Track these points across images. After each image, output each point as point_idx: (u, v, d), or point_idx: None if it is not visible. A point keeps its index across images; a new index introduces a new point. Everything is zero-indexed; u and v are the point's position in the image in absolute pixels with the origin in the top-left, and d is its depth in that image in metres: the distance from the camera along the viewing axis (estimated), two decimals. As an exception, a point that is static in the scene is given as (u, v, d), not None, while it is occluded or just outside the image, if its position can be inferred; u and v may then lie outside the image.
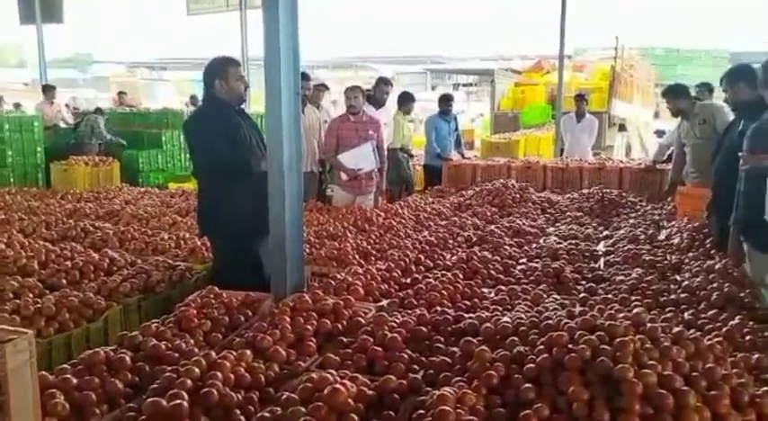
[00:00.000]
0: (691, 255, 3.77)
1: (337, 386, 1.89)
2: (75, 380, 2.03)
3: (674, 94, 5.32)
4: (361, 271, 3.30)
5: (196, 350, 2.38)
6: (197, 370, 2.06)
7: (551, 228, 4.75)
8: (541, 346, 2.05)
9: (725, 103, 4.75)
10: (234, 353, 2.22)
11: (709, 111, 5.07)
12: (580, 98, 8.64)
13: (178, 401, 1.86)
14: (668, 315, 2.67)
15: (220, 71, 3.45)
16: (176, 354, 2.32)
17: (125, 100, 13.00)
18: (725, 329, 2.50)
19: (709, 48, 21.42)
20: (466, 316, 2.60)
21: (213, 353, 2.19)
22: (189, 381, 1.99)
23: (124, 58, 28.12)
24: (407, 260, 3.60)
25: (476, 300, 2.96)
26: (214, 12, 12.34)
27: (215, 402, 1.92)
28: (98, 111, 9.61)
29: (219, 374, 2.04)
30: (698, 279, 3.23)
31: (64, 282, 3.34)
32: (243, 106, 3.67)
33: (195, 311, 2.67)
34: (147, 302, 3.26)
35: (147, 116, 10.19)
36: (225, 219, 3.43)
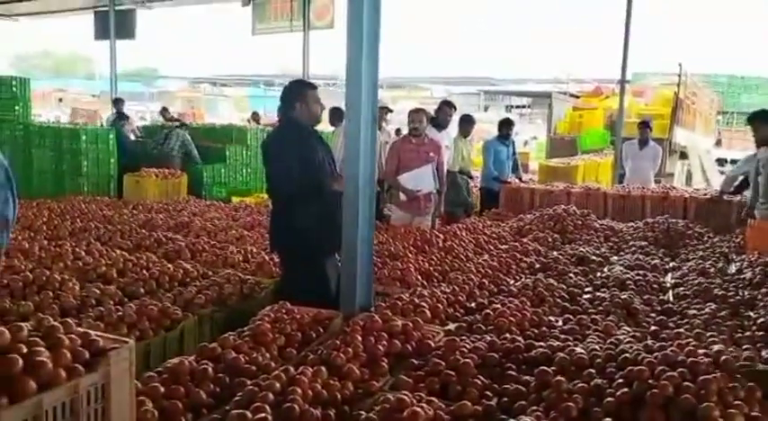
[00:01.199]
0: (764, 290, 3.65)
1: (416, 409, 1.92)
2: (162, 389, 2.13)
3: (764, 121, 5.09)
4: (426, 293, 3.33)
5: (273, 364, 2.45)
6: (278, 384, 2.13)
7: (615, 257, 4.67)
8: (621, 380, 2.04)
9: None
10: (310, 369, 2.28)
11: None
12: (644, 125, 8.47)
13: (263, 415, 1.92)
14: (747, 353, 2.60)
15: (301, 94, 3.58)
16: (254, 368, 2.40)
17: (167, 115, 13.42)
18: (809, 371, 2.41)
19: (776, 75, 20.74)
20: (536, 344, 2.59)
21: (292, 369, 2.25)
22: (271, 395, 2.06)
23: (187, 73, 29.24)
24: (471, 284, 3.61)
25: (544, 328, 2.95)
26: (279, 32, 12.71)
27: (296, 417, 1.98)
28: (183, 125, 9.98)
29: (299, 390, 2.10)
30: (774, 316, 3.13)
31: (142, 290, 3.48)
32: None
33: (269, 326, 2.76)
34: (219, 314, 3.37)
35: (213, 131, 10.55)
36: (296, 235, 3.53)
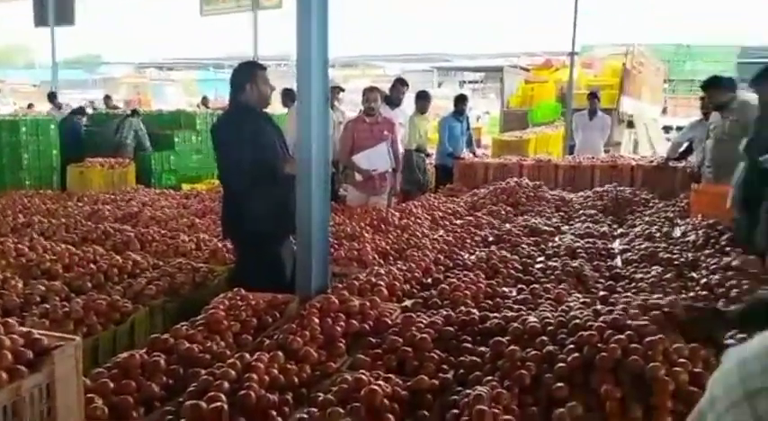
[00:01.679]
0: (707, 252, 3.79)
1: (374, 386, 1.92)
2: (112, 384, 2.07)
3: (719, 88, 5.15)
4: (383, 271, 3.34)
5: (228, 352, 2.42)
6: (233, 372, 2.10)
7: (566, 227, 4.78)
8: (571, 346, 2.09)
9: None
10: (266, 354, 2.26)
11: (746, 110, 4.84)
12: (593, 96, 8.63)
13: (218, 404, 1.90)
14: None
15: (250, 75, 3.49)
16: (209, 357, 2.36)
17: (110, 103, 13.01)
18: (749, 327, 2.52)
19: (719, 43, 21.34)
20: (491, 315, 2.63)
21: (247, 355, 2.23)
22: (226, 384, 2.03)
23: (132, 58, 28.26)
24: (427, 260, 3.64)
25: (498, 299, 2.99)
26: (226, 12, 12.41)
27: (253, 404, 1.96)
28: (135, 113, 9.67)
29: (255, 376, 2.08)
30: (716, 276, 3.25)
31: (89, 285, 3.37)
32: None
33: (224, 313, 2.71)
34: (171, 305, 3.30)
35: (160, 118, 10.26)
36: (249, 221, 3.47)
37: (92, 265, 3.60)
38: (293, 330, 2.52)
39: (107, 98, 13.88)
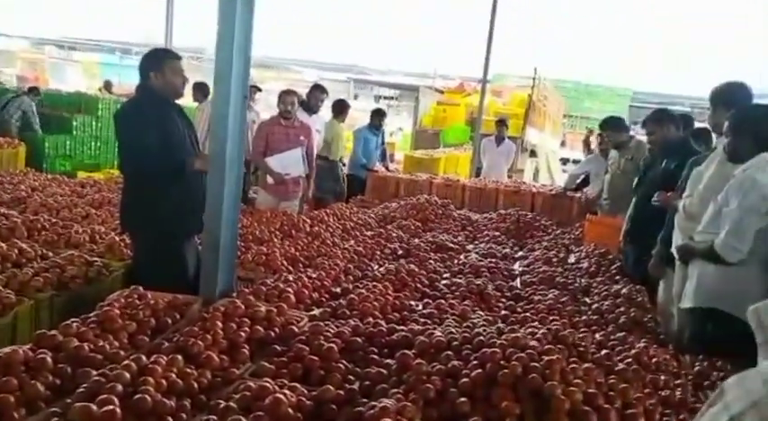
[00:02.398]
0: (598, 279, 4.06)
1: (279, 395, 1.88)
2: (-9, 381, 1.89)
3: (617, 128, 5.54)
4: (291, 278, 3.29)
5: (122, 353, 2.28)
6: (127, 374, 1.98)
7: (471, 245, 4.94)
8: (475, 361, 2.15)
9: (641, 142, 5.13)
10: (164, 357, 2.15)
11: (641, 150, 5.20)
12: (501, 123, 9.02)
13: (110, 407, 1.78)
14: (582, 335, 2.86)
15: (160, 63, 3.33)
16: (101, 357, 2.21)
17: None
18: (633, 351, 2.70)
19: (614, 85, 23.02)
20: (398, 328, 2.66)
21: (144, 357, 2.11)
22: (120, 386, 1.91)
23: (30, 32, 26.24)
24: (337, 269, 3.62)
25: (405, 312, 3.04)
26: (138, -4, 11.80)
27: (148, 409, 1.85)
28: (32, 91, 8.89)
29: (151, 379, 1.97)
30: (606, 302, 3.49)
31: (-34, 272, 3.08)
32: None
33: (119, 311, 2.56)
34: (60, 299, 3.07)
35: (58, 98, 9.56)
36: (151, 216, 3.31)
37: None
38: (194, 333, 2.41)
39: None
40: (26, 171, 6.63)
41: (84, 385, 1.94)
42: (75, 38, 27.90)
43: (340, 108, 7.28)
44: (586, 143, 9.84)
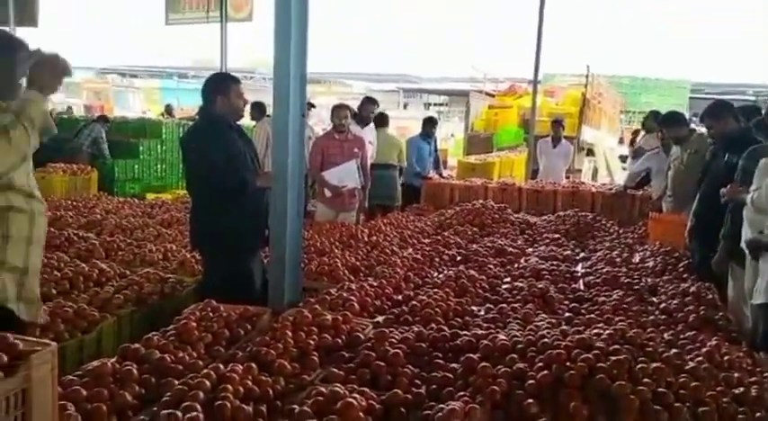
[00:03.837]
0: (665, 278, 3.96)
1: (349, 400, 1.95)
2: (84, 392, 2.04)
3: (676, 123, 5.40)
4: (354, 287, 3.37)
5: (200, 363, 2.41)
6: (207, 382, 2.10)
7: (531, 249, 4.90)
8: (540, 363, 2.16)
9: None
10: (240, 366, 2.26)
11: (704, 143, 5.02)
12: (557, 123, 8.87)
13: (194, 414, 1.89)
14: (651, 335, 2.82)
15: (223, 87, 3.50)
16: (181, 367, 2.35)
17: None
18: (704, 350, 2.64)
19: (672, 78, 22.27)
20: (461, 333, 2.69)
21: (221, 366, 2.23)
22: (201, 394, 2.02)
23: (94, 63, 27.66)
24: (398, 277, 3.69)
25: (467, 317, 3.06)
26: (193, 22, 12.32)
27: (228, 415, 1.96)
28: (101, 119, 9.44)
29: (230, 387, 2.08)
30: (674, 301, 3.41)
31: (54, 292, 3.31)
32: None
33: (195, 324, 2.70)
34: (139, 314, 3.26)
35: (125, 125, 10.08)
36: (218, 233, 3.46)
37: (56, 272, 3.53)
38: (266, 342, 2.52)
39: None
40: (99, 195, 7.03)
41: (169, 394, 2.06)
42: (135, 65, 29.24)
43: (380, 120, 7.32)
44: (632, 143, 9.60)
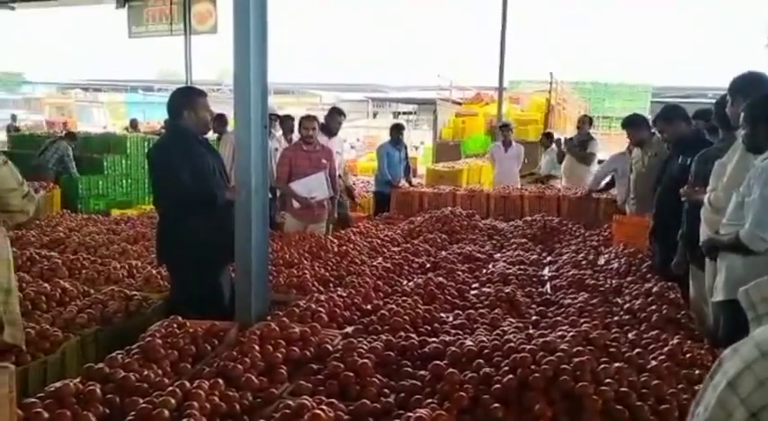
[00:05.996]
0: (629, 279, 4.04)
1: (317, 411, 1.95)
2: (46, 414, 2.00)
3: (636, 126, 5.49)
4: (323, 298, 3.36)
5: (166, 380, 2.38)
6: (173, 400, 2.07)
7: (498, 254, 4.96)
8: (506, 368, 2.19)
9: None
10: (207, 382, 2.24)
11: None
12: (505, 127, 9.00)
13: (159, 432, 1.87)
14: (615, 335, 2.87)
15: (189, 102, 3.47)
16: (146, 385, 2.31)
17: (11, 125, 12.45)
18: (666, 348, 2.71)
19: (634, 82, 22.81)
20: (430, 340, 2.71)
21: (187, 383, 2.20)
22: (166, 412, 2.00)
23: (56, 78, 27.18)
24: (367, 286, 3.69)
25: (436, 324, 3.09)
26: (157, 35, 12.21)
27: (194, 432, 1.94)
28: (69, 136, 9.24)
29: (196, 404, 2.06)
30: (638, 301, 3.48)
31: (15, 313, 3.22)
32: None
33: (160, 341, 2.66)
34: (104, 333, 3.20)
35: (88, 140, 9.90)
36: (187, 248, 3.43)
37: (18, 293, 3.43)
38: (233, 357, 2.51)
39: (13, 118, 13.28)
40: (62, 213, 6.88)
41: (133, 413, 2.03)
42: (98, 80, 28.80)
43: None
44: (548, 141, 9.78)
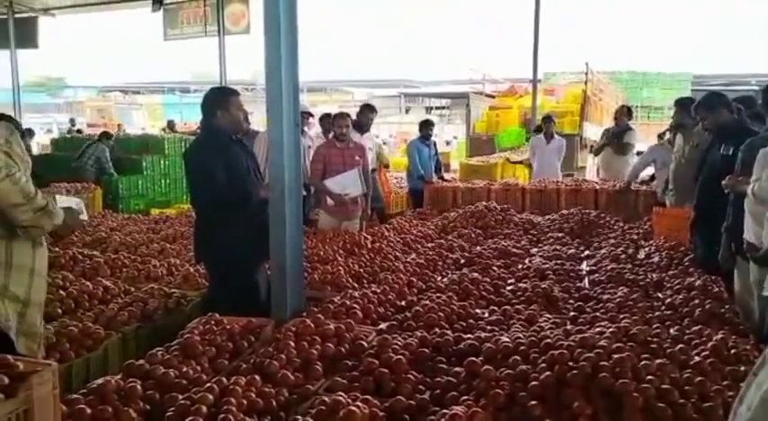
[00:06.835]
0: (671, 273, 3.93)
1: (352, 408, 1.95)
2: (89, 410, 2.05)
3: (684, 108, 5.10)
4: (357, 294, 3.37)
5: (204, 377, 2.41)
6: (210, 396, 2.10)
7: (535, 249, 4.88)
8: (543, 364, 2.15)
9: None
10: (243, 378, 2.26)
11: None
12: (548, 119, 8.79)
13: (197, 427, 1.89)
14: (656, 331, 2.80)
15: (222, 101, 3.51)
16: (185, 382, 2.35)
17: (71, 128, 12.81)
18: (710, 344, 2.62)
19: (672, 71, 22.21)
20: (465, 336, 2.68)
21: (225, 379, 2.23)
22: (204, 408, 2.03)
23: (96, 82, 27.93)
24: (401, 283, 3.68)
25: (471, 320, 3.06)
26: (192, 37, 12.40)
27: (232, 427, 1.96)
28: (104, 136, 9.51)
29: (233, 400, 2.08)
30: (680, 296, 3.38)
31: (59, 311, 3.33)
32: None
33: (199, 338, 2.70)
34: (144, 330, 3.27)
35: (128, 142, 10.14)
36: (223, 246, 3.47)
37: (61, 291, 3.55)
38: (269, 354, 2.53)
39: (72, 121, 13.70)
40: (104, 213, 7.06)
41: (172, 408, 2.07)
42: (136, 82, 29.47)
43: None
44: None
